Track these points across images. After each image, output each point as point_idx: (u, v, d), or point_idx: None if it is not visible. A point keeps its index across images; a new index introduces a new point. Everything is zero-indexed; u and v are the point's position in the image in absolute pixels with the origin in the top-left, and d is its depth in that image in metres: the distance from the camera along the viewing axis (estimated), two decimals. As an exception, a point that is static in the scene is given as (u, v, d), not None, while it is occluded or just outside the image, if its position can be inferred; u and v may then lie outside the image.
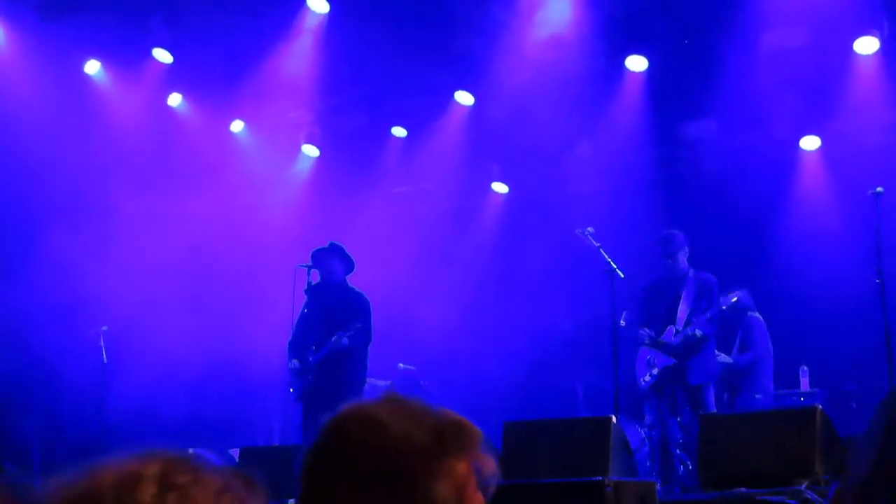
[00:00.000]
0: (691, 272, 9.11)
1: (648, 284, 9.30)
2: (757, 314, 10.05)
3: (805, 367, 9.95)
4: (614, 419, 6.74)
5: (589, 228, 8.92)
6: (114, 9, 10.07)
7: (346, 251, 9.58)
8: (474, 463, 1.70)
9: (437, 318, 11.71)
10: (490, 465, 1.73)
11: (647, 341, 8.99)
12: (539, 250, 11.74)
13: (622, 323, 9.09)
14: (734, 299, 9.03)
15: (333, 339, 9.15)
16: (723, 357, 9.62)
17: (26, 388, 10.85)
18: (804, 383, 9.96)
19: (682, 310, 8.97)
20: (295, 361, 9.39)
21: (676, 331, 8.91)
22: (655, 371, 8.96)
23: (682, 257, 9.10)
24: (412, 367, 11.77)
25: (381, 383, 11.40)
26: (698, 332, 8.85)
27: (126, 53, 10.87)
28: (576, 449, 6.59)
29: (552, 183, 12.13)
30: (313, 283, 9.58)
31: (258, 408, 12.09)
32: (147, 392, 10.83)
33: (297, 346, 9.45)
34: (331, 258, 9.50)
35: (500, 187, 12.70)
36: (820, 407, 6.27)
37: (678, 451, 8.79)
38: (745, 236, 10.91)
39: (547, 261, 11.61)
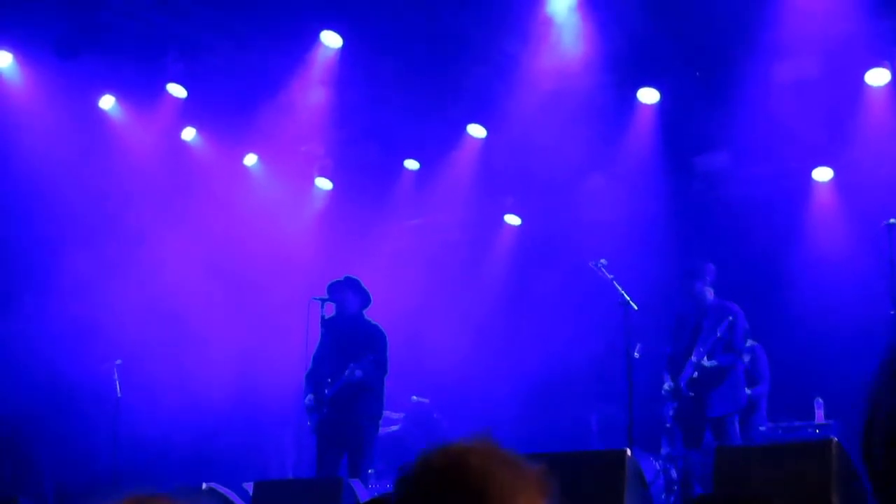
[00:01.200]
0: (715, 303, 9.08)
1: (676, 315, 9.30)
2: (756, 342, 9.95)
3: (820, 399, 9.87)
4: (629, 452, 6.71)
5: (602, 260, 8.89)
6: (128, 45, 10.16)
7: (362, 284, 9.58)
8: None
9: (449, 350, 11.68)
10: None
11: (668, 392, 9.00)
12: (552, 282, 11.71)
13: (636, 355, 9.04)
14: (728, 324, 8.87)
15: (347, 371, 9.15)
16: None
17: (41, 420, 10.86)
18: (819, 415, 9.87)
19: (702, 341, 8.94)
20: (310, 396, 9.37)
21: (693, 363, 8.89)
22: (677, 403, 8.95)
23: (706, 287, 9.08)
24: (425, 400, 11.73)
25: (395, 416, 11.37)
26: (706, 363, 8.81)
27: (141, 88, 10.97)
28: (590, 483, 6.54)
29: (565, 214, 12.13)
30: (327, 317, 9.58)
31: (272, 441, 12.07)
32: (161, 424, 10.83)
33: (313, 379, 9.44)
34: (345, 291, 9.50)
35: (512, 219, 12.70)
36: (835, 439, 6.22)
37: (698, 485, 8.71)
38: (758, 267, 10.88)
39: (560, 293, 11.58)
